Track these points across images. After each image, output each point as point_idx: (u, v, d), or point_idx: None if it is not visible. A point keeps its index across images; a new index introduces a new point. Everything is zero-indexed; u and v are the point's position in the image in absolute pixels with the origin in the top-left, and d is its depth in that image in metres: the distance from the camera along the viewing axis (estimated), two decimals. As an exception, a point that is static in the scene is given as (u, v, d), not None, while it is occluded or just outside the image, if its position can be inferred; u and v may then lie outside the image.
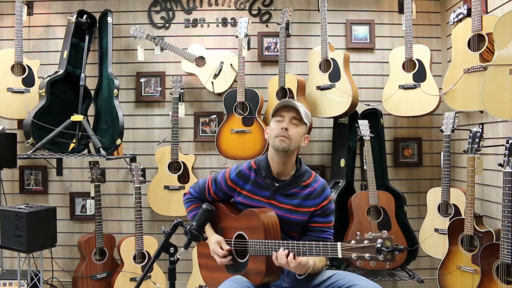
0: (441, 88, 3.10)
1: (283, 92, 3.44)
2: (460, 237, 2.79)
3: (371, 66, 3.82)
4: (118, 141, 3.39)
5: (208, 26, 3.84)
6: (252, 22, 3.64)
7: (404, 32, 3.27)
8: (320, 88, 3.38)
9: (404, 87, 3.25)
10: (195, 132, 3.83)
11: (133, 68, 3.83)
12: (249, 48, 3.54)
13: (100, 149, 3.34)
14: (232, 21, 3.82)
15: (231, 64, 3.54)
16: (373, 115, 3.53)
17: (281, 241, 1.93)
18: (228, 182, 2.19)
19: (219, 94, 3.63)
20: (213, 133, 3.76)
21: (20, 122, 3.66)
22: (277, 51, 3.77)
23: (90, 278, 3.32)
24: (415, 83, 3.21)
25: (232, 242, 2.13)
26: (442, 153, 3.06)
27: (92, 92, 3.67)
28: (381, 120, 3.53)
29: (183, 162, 3.56)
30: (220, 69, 3.55)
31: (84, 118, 3.50)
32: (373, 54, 3.82)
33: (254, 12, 3.84)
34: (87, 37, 3.65)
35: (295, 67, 3.81)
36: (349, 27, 3.80)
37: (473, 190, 2.75)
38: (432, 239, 3.11)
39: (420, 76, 3.21)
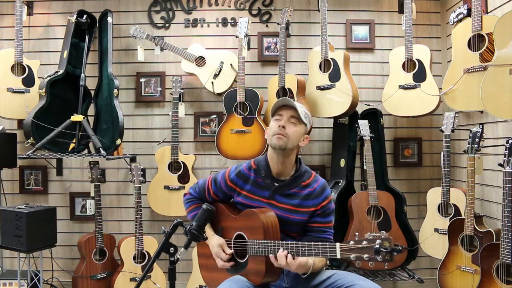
0: (441, 88, 3.10)
1: (283, 92, 3.44)
2: (460, 237, 2.79)
3: (371, 66, 3.82)
4: (118, 141, 3.40)
5: (208, 26, 3.84)
6: (252, 22, 3.64)
7: (404, 32, 3.27)
8: (320, 88, 3.38)
9: (404, 87, 3.25)
10: (195, 132, 3.83)
11: (133, 68, 3.83)
12: (249, 48, 3.54)
13: (100, 149, 3.34)
14: (232, 21, 3.82)
15: (231, 64, 3.54)
16: (373, 115, 3.53)
17: (280, 242, 1.93)
18: (227, 183, 2.19)
19: (219, 94, 3.63)
20: (213, 133, 3.76)
21: (20, 122, 3.66)
22: (277, 51, 3.77)
23: (90, 278, 3.32)
24: (415, 83, 3.21)
25: (232, 242, 2.13)
26: (442, 153, 3.06)
27: (92, 92, 3.67)
28: (381, 120, 3.53)
29: (183, 162, 3.56)
30: (220, 69, 3.55)
31: (84, 118, 3.50)
32: (373, 54, 3.82)
33: (254, 12, 3.84)
34: (87, 37, 3.65)
35: (295, 67, 3.81)
36: (349, 27, 3.80)
37: (473, 190, 2.75)
38: (432, 239, 3.11)
39: (420, 76, 3.21)
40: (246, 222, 2.08)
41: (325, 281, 2.01)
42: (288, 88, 3.41)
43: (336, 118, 3.51)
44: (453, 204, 3.01)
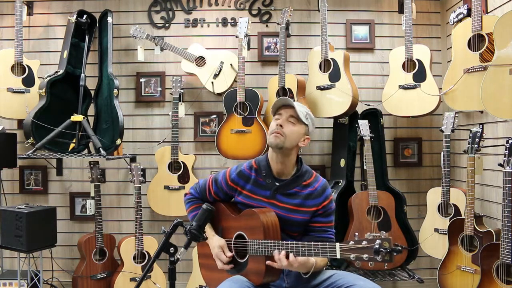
0: (441, 88, 3.10)
1: (283, 92, 3.44)
2: (460, 237, 2.79)
3: (371, 66, 3.82)
4: (118, 141, 3.40)
5: (208, 26, 3.84)
6: (252, 22, 3.64)
7: (404, 32, 3.27)
8: (320, 88, 3.38)
9: (404, 87, 3.25)
10: (195, 132, 3.83)
11: (133, 68, 3.83)
12: (249, 48, 3.54)
13: (100, 149, 3.34)
14: (232, 21, 3.82)
15: (231, 64, 3.54)
16: (373, 115, 3.53)
17: (280, 241, 1.93)
18: (228, 182, 2.19)
19: (219, 94, 3.63)
20: (213, 133, 3.76)
21: (20, 122, 3.66)
22: (277, 51, 3.77)
23: (90, 278, 3.32)
24: (415, 83, 3.21)
25: (232, 242, 2.13)
26: (442, 153, 3.06)
27: (92, 92, 3.67)
28: (381, 120, 3.53)
29: (183, 162, 3.56)
30: (220, 69, 3.55)
31: (84, 118, 3.50)
32: (373, 54, 3.82)
33: (254, 12, 3.84)
34: (87, 37, 3.65)
35: (295, 67, 3.81)
36: (349, 27, 3.80)
37: (473, 190, 2.75)
38: (432, 239, 3.11)
39: (420, 76, 3.21)
40: (246, 222, 2.08)
41: (325, 281, 2.01)
42: (288, 88, 3.41)
43: (336, 118, 3.51)
44: (453, 204, 3.01)
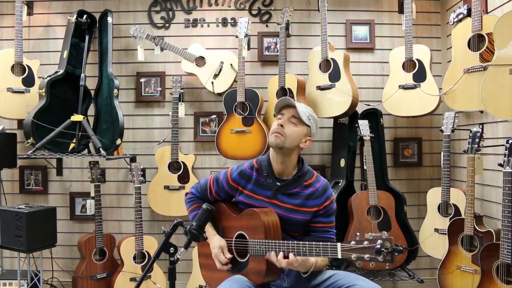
0: (441, 88, 3.10)
1: (283, 92, 3.44)
2: (460, 237, 2.79)
3: (371, 66, 3.82)
4: (118, 141, 3.39)
5: (208, 26, 3.84)
6: (252, 22, 3.64)
7: (404, 32, 3.27)
8: (320, 88, 3.38)
9: (404, 87, 3.25)
10: (195, 132, 3.83)
11: (133, 68, 3.83)
12: (249, 48, 3.54)
13: (100, 149, 3.34)
14: (232, 21, 3.82)
15: (231, 64, 3.54)
16: (373, 115, 3.53)
17: (281, 241, 1.93)
18: (230, 182, 2.19)
19: (219, 94, 3.63)
20: (213, 133, 3.76)
21: (20, 122, 3.66)
22: (277, 51, 3.77)
23: (90, 278, 3.32)
24: (415, 83, 3.21)
25: (233, 242, 2.13)
26: (442, 153, 3.06)
27: (92, 92, 3.67)
28: (381, 120, 3.53)
29: (183, 162, 3.56)
30: (220, 69, 3.55)
31: (84, 118, 3.50)
32: (373, 54, 3.82)
33: (254, 12, 3.84)
34: (87, 37, 3.65)
35: (295, 67, 3.81)
36: (349, 27, 3.80)
37: (473, 190, 2.75)
38: (432, 239, 3.11)
39: (420, 76, 3.21)
40: (247, 221, 2.08)
41: (326, 281, 2.01)
42: (288, 88, 3.41)
43: (336, 118, 3.51)
44: (453, 204, 3.01)
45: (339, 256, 1.74)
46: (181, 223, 1.83)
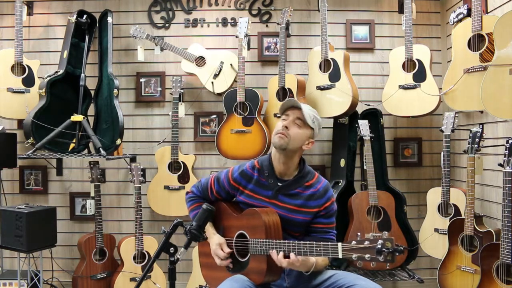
0: (441, 88, 3.11)
1: (283, 92, 3.44)
2: (460, 237, 2.80)
3: (371, 66, 3.82)
4: (118, 141, 3.39)
5: (208, 26, 3.84)
6: (252, 22, 3.64)
7: (404, 32, 3.28)
8: (320, 88, 3.38)
9: (404, 87, 3.25)
10: (195, 132, 3.83)
11: (133, 68, 3.83)
12: (249, 48, 3.54)
13: (100, 149, 3.34)
14: (232, 21, 3.82)
15: (231, 64, 3.54)
16: (373, 115, 3.53)
17: (281, 241, 1.93)
18: (231, 181, 2.19)
19: (219, 94, 3.63)
20: (213, 133, 3.76)
21: (20, 122, 3.66)
22: (277, 51, 3.77)
23: (90, 278, 3.32)
24: (415, 83, 3.22)
25: (234, 241, 2.13)
26: (442, 153, 3.06)
27: (92, 92, 3.67)
28: (381, 120, 3.53)
29: (183, 162, 3.56)
30: (220, 69, 3.55)
31: (84, 118, 3.50)
32: (373, 54, 3.82)
33: (254, 12, 3.84)
34: (87, 37, 3.65)
35: (295, 67, 3.81)
36: (349, 27, 3.80)
37: (473, 190, 2.75)
38: (432, 239, 3.11)
39: (420, 76, 3.21)
40: (248, 221, 2.08)
41: (326, 281, 2.01)
42: (288, 88, 3.41)
43: (336, 118, 3.51)
44: (453, 204, 3.01)
45: (340, 256, 1.74)
46: (181, 223, 1.83)
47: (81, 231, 3.77)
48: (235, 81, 3.53)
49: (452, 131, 3.02)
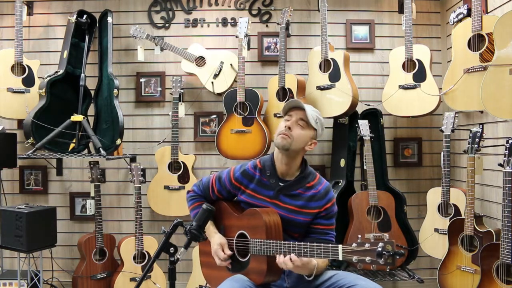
0: (441, 88, 3.11)
1: (283, 92, 3.44)
2: (460, 237, 2.80)
3: (371, 66, 3.82)
4: (118, 141, 3.39)
5: (208, 26, 3.84)
6: (252, 22, 3.64)
7: (404, 32, 3.27)
8: (320, 88, 3.38)
9: (404, 87, 3.25)
10: (195, 132, 3.83)
11: (133, 68, 3.83)
12: (249, 48, 3.54)
13: (100, 149, 3.34)
14: (232, 21, 3.82)
15: (231, 64, 3.54)
16: (373, 115, 3.53)
17: (282, 242, 1.93)
18: (232, 181, 2.19)
19: (219, 94, 3.63)
20: (213, 133, 3.76)
21: (20, 122, 3.66)
22: (277, 51, 3.77)
23: (90, 278, 3.32)
24: (415, 83, 3.22)
25: (234, 241, 2.13)
26: (442, 153, 3.06)
27: (92, 92, 3.67)
28: (381, 120, 3.53)
29: (183, 162, 3.56)
30: (220, 69, 3.55)
31: (84, 118, 3.50)
32: (373, 54, 3.82)
33: (254, 12, 3.83)
34: (87, 37, 3.65)
35: (295, 67, 3.81)
36: (349, 27, 3.80)
37: (473, 190, 2.75)
38: (432, 239, 3.11)
39: (420, 76, 3.21)
40: (248, 221, 2.08)
41: (327, 281, 2.01)
42: (288, 88, 3.41)
43: (336, 118, 3.51)
44: (453, 204, 3.01)
45: (340, 258, 1.73)
46: (181, 223, 1.83)
47: (81, 231, 3.77)
48: (235, 81, 3.53)
49: (452, 131, 3.02)
